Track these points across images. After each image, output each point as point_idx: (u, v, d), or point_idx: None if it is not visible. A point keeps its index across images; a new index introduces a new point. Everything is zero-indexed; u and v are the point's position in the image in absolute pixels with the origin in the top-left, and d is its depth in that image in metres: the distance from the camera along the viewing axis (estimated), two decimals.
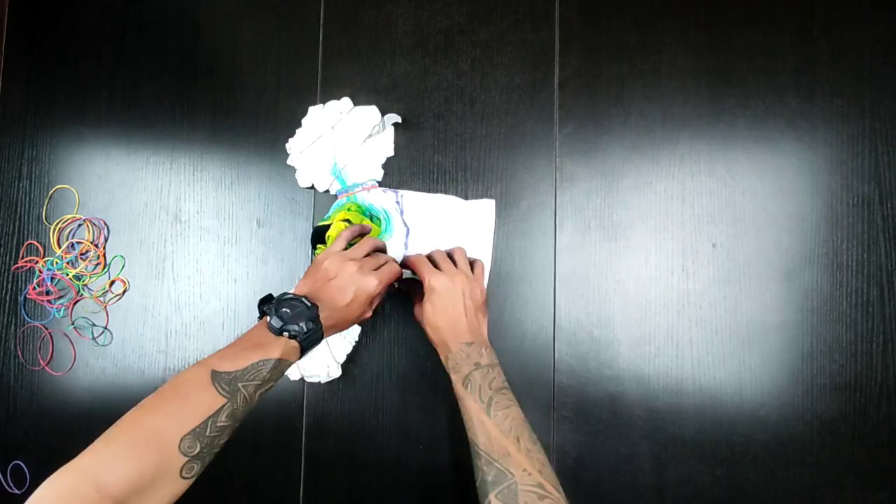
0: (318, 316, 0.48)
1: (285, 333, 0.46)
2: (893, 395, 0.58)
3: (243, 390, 0.42)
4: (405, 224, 0.64)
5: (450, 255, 0.59)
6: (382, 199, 0.64)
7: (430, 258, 0.58)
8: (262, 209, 0.69)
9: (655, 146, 0.63)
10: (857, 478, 0.59)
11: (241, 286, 0.68)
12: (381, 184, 0.65)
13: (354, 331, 0.64)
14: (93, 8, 0.74)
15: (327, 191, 0.66)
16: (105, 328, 0.70)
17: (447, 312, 0.53)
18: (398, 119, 0.65)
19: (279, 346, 0.45)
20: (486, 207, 0.64)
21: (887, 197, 0.60)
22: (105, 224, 0.71)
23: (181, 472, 0.38)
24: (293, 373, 0.65)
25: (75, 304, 0.71)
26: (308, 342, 0.47)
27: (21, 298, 0.72)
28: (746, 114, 0.62)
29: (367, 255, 0.55)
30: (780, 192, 0.61)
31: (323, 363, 0.63)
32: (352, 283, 0.51)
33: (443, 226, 0.64)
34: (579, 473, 0.62)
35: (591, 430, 0.62)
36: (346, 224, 0.61)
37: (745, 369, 0.60)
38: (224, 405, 0.41)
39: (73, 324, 0.71)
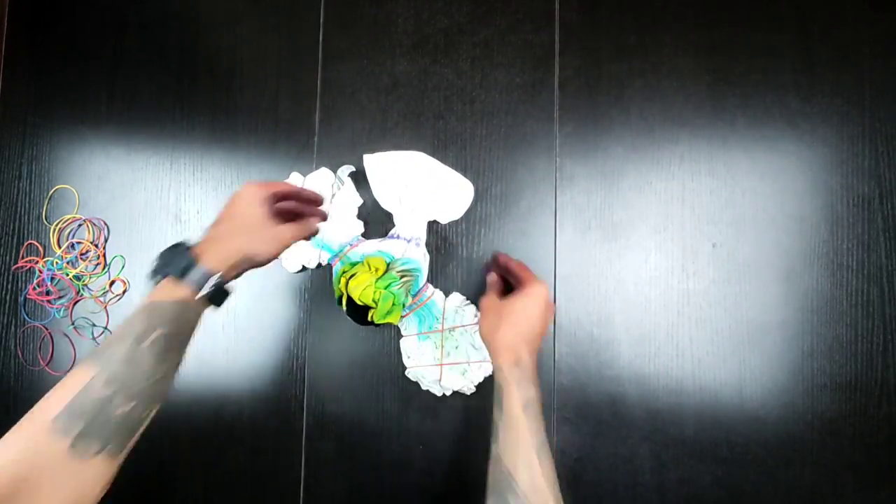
0: (182, 243, 0.46)
1: (157, 276, 0.44)
2: (893, 395, 0.58)
3: (115, 351, 0.39)
4: (426, 253, 0.64)
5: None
6: (394, 247, 0.63)
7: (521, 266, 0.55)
8: None
9: (655, 146, 0.63)
10: (857, 478, 0.59)
11: (240, 286, 0.68)
12: (364, 236, 0.65)
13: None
14: (93, 8, 0.74)
15: (319, 265, 0.66)
16: (105, 328, 0.70)
17: (531, 322, 0.50)
18: (352, 169, 0.66)
19: (149, 294, 0.43)
20: (465, 187, 0.64)
21: (887, 197, 0.60)
22: (105, 224, 0.71)
23: (69, 454, 0.35)
24: (435, 388, 0.64)
25: (75, 304, 0.71)
26: (178, 269, 0.44)
27: (21, 298, 0.72)
28: (746, 114, 0.62)
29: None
30: (780, 192, 0.61)
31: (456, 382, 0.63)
32: (233, 198, 0.49)
33: (426, 183, 0.64)
34: (580, 474, 0.62)
35: (592, 431, 0.62)
36: (380, 288, 0.59)
37: (746, 369, 0.60)
38: (95, 374, 0.37)
39: (73, 324, 0.71)
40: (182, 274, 0.44)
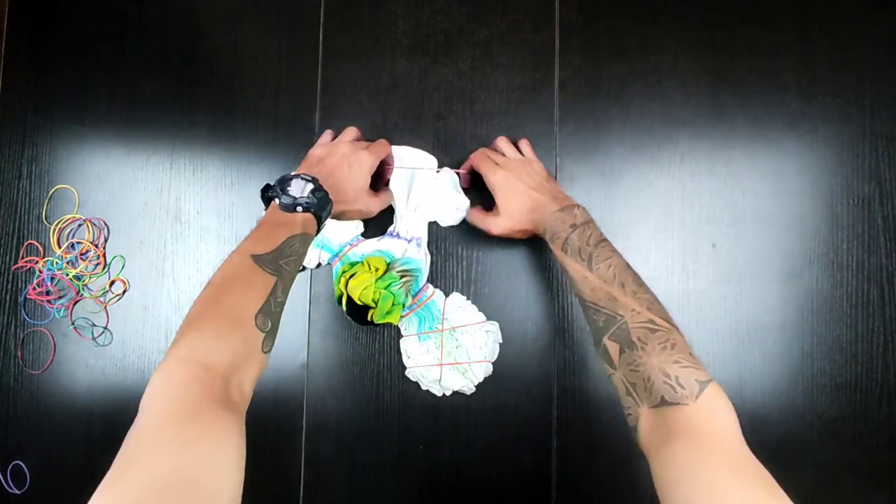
0: (321, 186, 0.50)
1: (298, 208, 0.48)
2: (893, 395, 0.58)
3: (286, 266, 0.45)
4: (427, 253, 0.64)
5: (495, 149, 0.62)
6: (394, 246, 0.63)
7: (486, 155, 0.60)
8: (262, 209, 0.68)
9: (655, 146, 0.63)
10: (857, 478, 0.59)
11: None
12: (364, 235, 0.64)
13: (493, 351, 0.63)
14: (93, 8, 0.74)
15: (319, 264, 0.66)
16: (105, 328, 0.70)
17: (519, 198, 0.56)
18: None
19: (298, 221, 0.48)
20: (461, 206, 0.63)
21: (887, 197, 0.60)
22: (105, 224, 0.71)
23: (262, 346, 0.41)
24: (436, 389, 0.64)
25: (75, 304, 0.71)
26: (320, 211, 0.49)
27: (21, 299, 0.72)
28: (746, 114, 0.62)
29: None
30: (780, 192, 0.61)
31: (463, 381, 0.63)
32: (345, 158, 0.56)
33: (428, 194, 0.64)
34: (580, 475, 0.62)
35: (592, 431, 0.62)
36: (380, 289, 0.59)
37: (745, 369, 0.60)
38: (276, 282, 0.43)
39: (73, 324, 0.71)
40: (323, 219, 0.50)
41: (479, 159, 0.59)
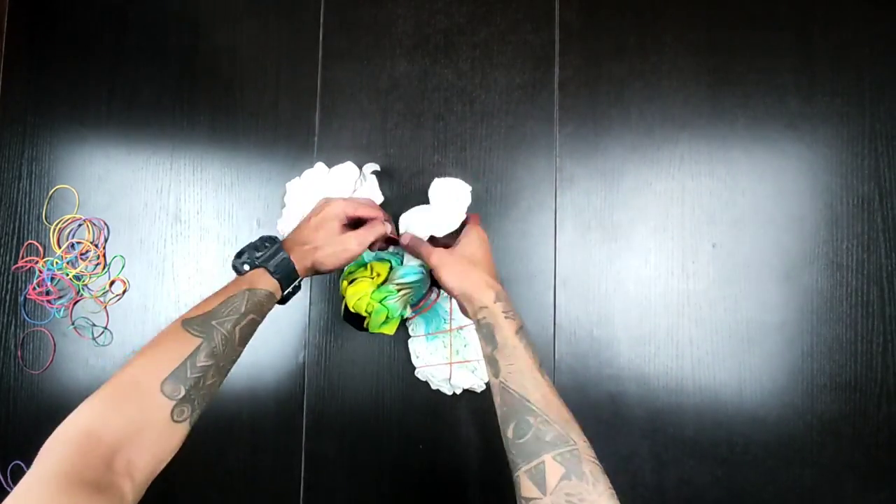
0: (277, 239, 0.50)
1: (245, 266, 0.48)
2: (893, 395, 0.58)
3: (218, 328, 0.43)
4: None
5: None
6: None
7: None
8: (262, 209, 0.69)
9: (655, 146, 0.63)
10: (857, 478, 0.59)
11: None
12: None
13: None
14: (93, 8, 0.74)
15: None
16: (105, 328, 0.70)
17: (488, 257, 0.53)
18: (377, 167, 0.65)
19: (245, 279, 0.47)
20: (463, 188, 0.63)
21: (887, 197, 0.60)
22: (105, 224, 0.71)
23: (172, 415, 0.38)
24: (445, 386, 0.64)
25: (75, 304, 0.71)
26: (273, 263, 0.48)
27: (21, 299, 0.72)
28: (746, 114, 0.62)
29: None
30: (779, 192, 0.61)
31: (472, 379, 0.63)
32: (316, 209, 0.53)
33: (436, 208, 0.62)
34: None
35: (592, 431, 0.62)
36: (375, 301, 0.58)
37: (745, 369, 0.60)
38: (200, 345, 0.41)
39: (73, 324, 0.71)
40: (278, 271, 0.48)
41: (414, 244, 0.57)
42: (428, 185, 0.65)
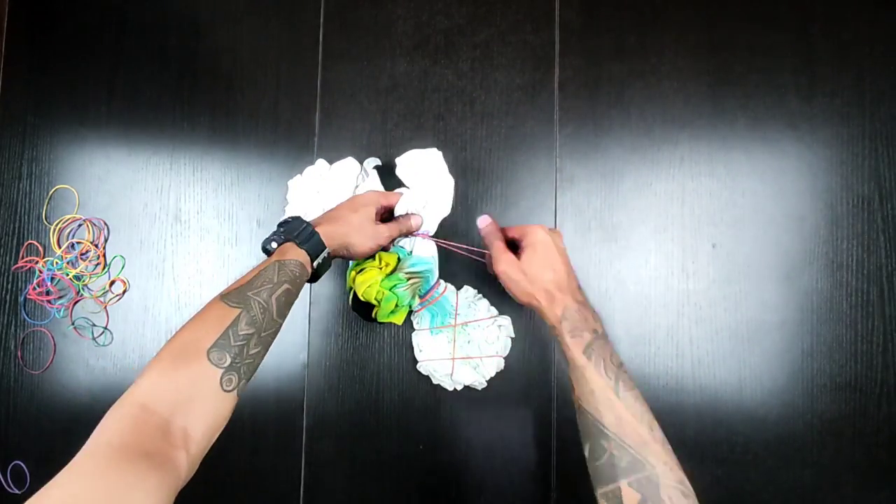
0: (300, 218, 0.51)
1: (273, 244, 0.49)
2: (893, 395, 0.59)
3: (255, 297, 0.43)
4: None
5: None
6: (406, 241, 0.62)
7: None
8: (262, 209, 0.69)
9: (655, 147, 0.63)
10: (857, 478, 0.59)
11: None
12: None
13: (505, 346, 0.63)
14: (93, 8, 0.74)
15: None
16: (105, 328, 0.70)
17: (551, 266, 0.49)
18: (378, 162, 0.65)
19: (275, 254, 0.48)
20: (432, 155, 0.61)
21: (887, 197, 0.60)
22: (105, 224, 0.71)
23: (221, 384, 0.39)
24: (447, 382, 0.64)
25: (75, 304, 0.71)
26: (302, 236, 0.49)
27: (21, 299, 0.72)
28: (746, 114, 0.62)
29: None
30: (780, 192, 0.61)
31: (472, 376, 0.63)
32: (348, 200, 0.56)
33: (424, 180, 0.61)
34: (580, 475, 0.62)
35: None
36: (385, 289, 0.58)
37: (745, 369, 0.60)
38: (239, 314, 0.42)
39: (73, 324, 0.71)
40: (304, 241, 0.49)
41: (510, 228, 0.55)
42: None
